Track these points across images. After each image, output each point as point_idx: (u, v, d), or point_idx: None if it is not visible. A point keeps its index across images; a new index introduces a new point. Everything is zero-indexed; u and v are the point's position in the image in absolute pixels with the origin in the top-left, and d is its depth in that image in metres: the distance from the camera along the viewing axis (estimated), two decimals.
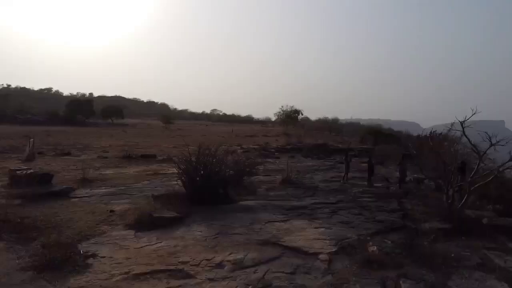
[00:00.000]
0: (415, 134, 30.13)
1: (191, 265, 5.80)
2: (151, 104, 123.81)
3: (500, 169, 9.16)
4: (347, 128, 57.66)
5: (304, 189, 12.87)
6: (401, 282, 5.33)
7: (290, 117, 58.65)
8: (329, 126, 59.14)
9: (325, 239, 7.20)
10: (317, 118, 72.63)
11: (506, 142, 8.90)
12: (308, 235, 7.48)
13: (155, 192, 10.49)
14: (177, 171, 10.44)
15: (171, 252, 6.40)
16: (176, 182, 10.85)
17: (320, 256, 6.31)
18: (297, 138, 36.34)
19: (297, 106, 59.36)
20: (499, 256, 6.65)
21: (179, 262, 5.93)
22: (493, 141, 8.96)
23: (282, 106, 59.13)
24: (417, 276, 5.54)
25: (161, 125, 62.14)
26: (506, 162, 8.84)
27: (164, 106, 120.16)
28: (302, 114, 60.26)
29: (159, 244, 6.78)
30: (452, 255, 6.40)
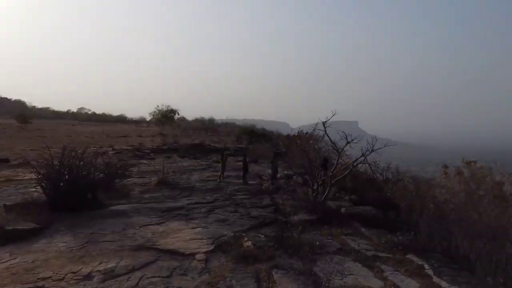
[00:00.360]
0: (285, 133, 32.41)
1: (54, 280, 5.14)
2: (3, 100, 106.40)
3: (355, 164, 10.41)
4: (223, 128, 59.03)
5: (181, 189, 12.68)
6: (273, 273, 5.63)
7: (166, 117, 57.25)
8: (206, 126, 59.66)
9: (202, 239, 7.17)
10: (194, 118, 72.58)
11: (359, 140, 10.14)
12: (184, 236, 7.35)
13: (8, 202, 9.02)
14: (36, 177, 9.20)
15: (29, 268, 5.56)
16: (35, 189, 9.59)
17: (197, 256, 6.26)
18: (173, 138, 35.70)
19: (174, 106, 58.39)
20: (354, 240, 7.59)
21: (38, 278, 5.19)
22: (349, 139, 10.14)
23: (158, 106, 57.43)
24: (288, 266, 5.92)
25: (16, 125, 54.13)
26: (359, 158, 10.12)
27: (20, 103, 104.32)
28: (178, 114, 59.41)
29: (14, 261, 5.83)
30: (317, 243, 7.05)
